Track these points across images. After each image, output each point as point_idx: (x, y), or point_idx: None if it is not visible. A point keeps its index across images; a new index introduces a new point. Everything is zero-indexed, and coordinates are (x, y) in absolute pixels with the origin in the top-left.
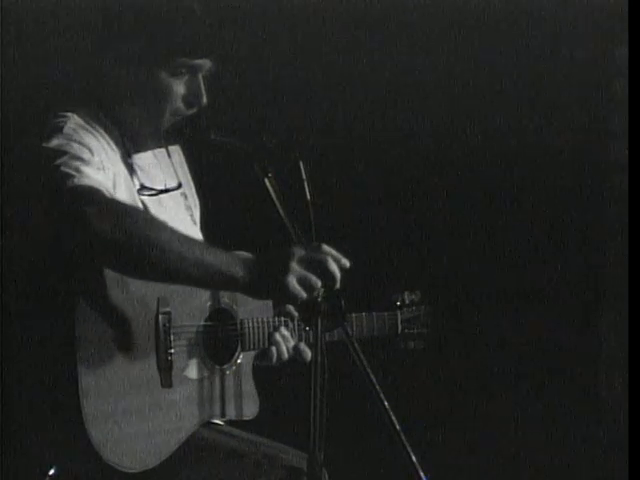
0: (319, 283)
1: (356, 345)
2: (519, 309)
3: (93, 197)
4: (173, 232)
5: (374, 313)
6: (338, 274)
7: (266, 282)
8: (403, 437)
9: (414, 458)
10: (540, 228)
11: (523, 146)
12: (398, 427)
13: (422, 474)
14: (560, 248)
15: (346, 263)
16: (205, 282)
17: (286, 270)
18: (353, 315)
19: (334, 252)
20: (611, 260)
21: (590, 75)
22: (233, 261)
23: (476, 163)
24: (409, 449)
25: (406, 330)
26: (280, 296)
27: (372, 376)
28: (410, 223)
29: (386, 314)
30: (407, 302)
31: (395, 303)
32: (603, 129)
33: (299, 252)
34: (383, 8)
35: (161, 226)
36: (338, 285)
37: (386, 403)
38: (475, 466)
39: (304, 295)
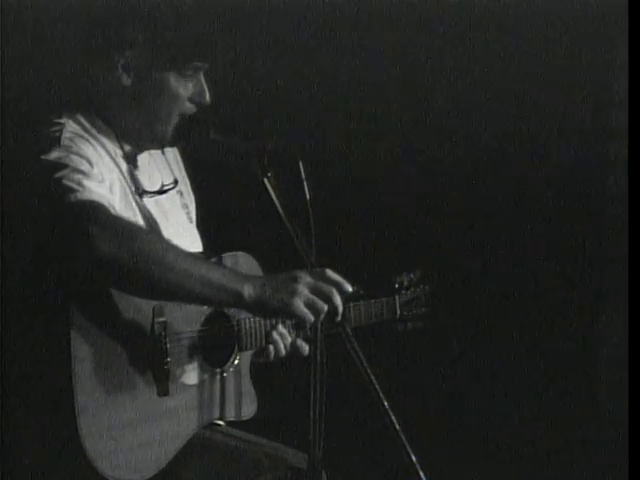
0: (325, 307)
1: (356, 345)
2: (518, 310)
3: (97, 214)
4: (177, 250)
5: (372, 300)
6: (340, 306)
7: (273, 303)
8: (403, 437)
9: (414, 458)
10: (540, 228)
11: (523, 145)
12: (398, 427)
13: (422, 474)
14: (560, 248)
15: (348, 288)
16: (211, 299)
17: (294, 292)
18: (351, 304)
19: (338, 279)
20: (611, 260)
21: (590, 75)
22: (239, 279)
23: (476, 162)
24: (409, 449)
25: (405, 313)
26: (286, 317)
27: (372, 376)
28: (412, 210)
29: (384, 300)
30: (406, 284)
31: (394, 286)
32: (603, 129)
33: (305, 277)
34: (382, 8)
35: (165, 244)
36: (339, 317)
37: (386, 403)
38: (474, 466)
39: (311, 319)
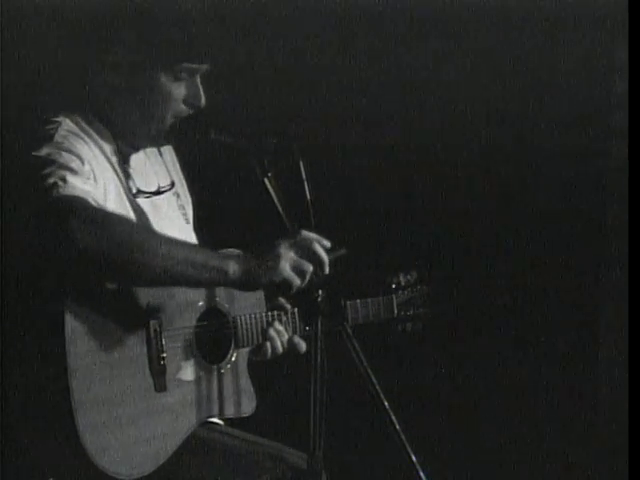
0: (311, 267)
1: (356, 345)
2: (517, 310)
3: (77, 208)
4: (159, 235)
5: (369, 299)
6: (325, 257)
7: (259, 272)
8: (403, 437)
9: (414, 458)
10: (540, 228)
11: (523, 145)
12: (398, 427)
13: (422, 474)
14: (560, 248)
15: (327, 244)
16: (197, 280)
17: (278, 257)
18: (347, 303)
19: (314, 235)
20: (611, 260)
21: (590, 75)
22: (223, 256)
23: (475, 161)
24: (409, 449)
25: (402, 312)
26: (274, 284)
27: (372, 376)
28: (412, 211)
29: (381, 299)
30: (403, 284)
31: (390, 286)
32: (603, 129)
33: (285, 241)
34: (382, 8)
35: (145, 231)
36: (327, 269)
37: (386, 403)
38: (473, 466)
39: (298, 282)
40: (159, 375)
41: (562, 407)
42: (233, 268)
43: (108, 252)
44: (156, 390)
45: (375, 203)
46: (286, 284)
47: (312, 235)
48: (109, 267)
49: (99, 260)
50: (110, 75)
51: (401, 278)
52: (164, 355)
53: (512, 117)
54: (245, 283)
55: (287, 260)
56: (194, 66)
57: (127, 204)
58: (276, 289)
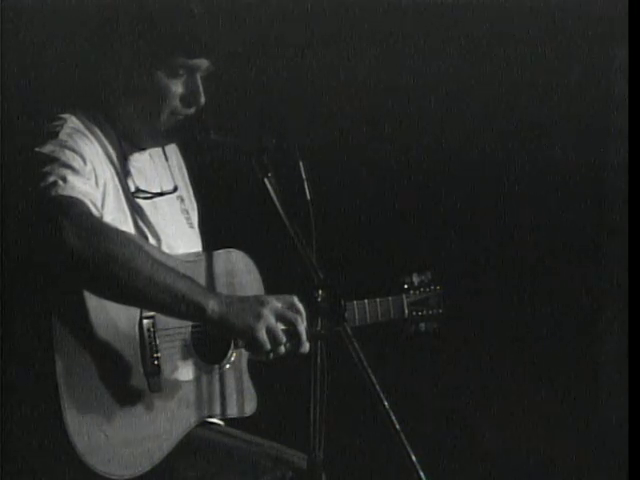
0: (284, 340)
1: (356, 345)
2: (519, 310)
3: (73, 210)
4: (146, 256)
5: (377, 299)
6: (305, 337)
7: (236, 322)
8: (403, 437)
9: (414, 458)
10: (540, 229)
11: (523, 145)
12: (398, 427)
13: (422, 474)
14: (560, 249)
15: (304, 323)
16: (172, 309)
17: (259, 316)
18: (354, 303)
19: (302, 309)
20: (611, 261)
21: (590, 75)
22: (205, 293)
23: (475, 163)
24: (409, 449)
25: (414, 313)
26: (245, 339)
27: (372, 376)
28: (416, 211)
29: (390, 299)
30: (415, 284)
31: (402, 286)
32: (603, 129)
33: (272, 302)
34: (383, 9)
35: (135, 249)
36: (303, 348)
37: (386, 403)
38: (474, 465)
39: (268, 347)
40: (153, 375)
41: (562, 407)
42: (212, 307)
43: (92, 260)
44: (150, 390)
45: (379, 204)
46: (257, 344)
47: (300, 308)
48: (90, 276)
49: (81, 265)
50: (110, 71)
51: (414, 278)
52: (158, 355)
53: (513, 117)
54: (219, 328)
55: (266, 323)
56: (194, 62)
57: (125, 204)
58: (245, 345)
